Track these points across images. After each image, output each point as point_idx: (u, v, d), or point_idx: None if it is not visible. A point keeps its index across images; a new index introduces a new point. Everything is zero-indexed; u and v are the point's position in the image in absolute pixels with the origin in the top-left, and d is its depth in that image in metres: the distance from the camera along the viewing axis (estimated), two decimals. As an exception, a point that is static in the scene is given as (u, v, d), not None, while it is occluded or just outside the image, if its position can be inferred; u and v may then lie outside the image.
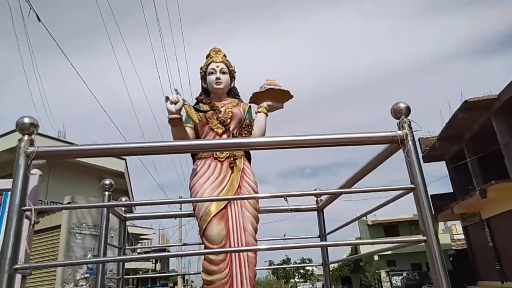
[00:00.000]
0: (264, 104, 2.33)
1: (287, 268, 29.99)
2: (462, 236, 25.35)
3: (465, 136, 15.35)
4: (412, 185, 1.38)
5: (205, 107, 2.32)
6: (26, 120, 1.28)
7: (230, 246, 2.04)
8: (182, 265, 25.80)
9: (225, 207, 2.10)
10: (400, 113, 1.45)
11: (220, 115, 2.29)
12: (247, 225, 2.12)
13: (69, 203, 7.79)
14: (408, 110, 1.48)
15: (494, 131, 12.56)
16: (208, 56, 2.48)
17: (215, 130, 2.28)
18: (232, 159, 2.21)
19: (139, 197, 22.77)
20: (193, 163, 2.32)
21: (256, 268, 2.16)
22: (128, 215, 2.83)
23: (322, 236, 2.94)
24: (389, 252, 24.72)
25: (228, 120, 2.30)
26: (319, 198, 2.98)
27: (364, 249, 24.01)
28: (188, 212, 2.82)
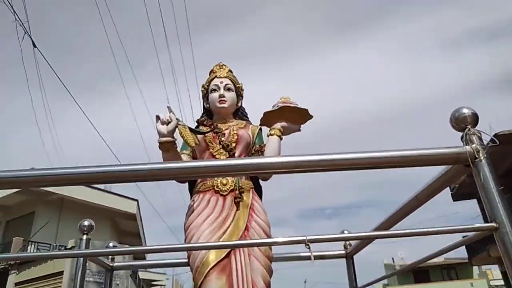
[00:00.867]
0: (278, 125, 1.89)
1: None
2: (501, 282, 23.38)
3: (497, 171, 14.47)
4: (494, 224, 0.95)
5: (205, 129, 1.90)
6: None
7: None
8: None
9: (228, 255, 1.61)
10: (465, 122, 1.02)
11: (223, 138, 1.86)
12: (257, 280, 1.61)
13: (73, 247, 7.35)
14: (475, 118, 1.08)
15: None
16: (211, 72, 2.10)
17: (217, 156, 1.85)
18: (237, 192, 1.75)
19: (152, 241, 22.13)
20: (190, 198, 1.87)
21: None
22: (115, 264, 2.35)
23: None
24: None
25: (233, 144, 1.86)
26: (347, 243, 2.45)
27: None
28: (186, 261, 2.32)
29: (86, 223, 1.99)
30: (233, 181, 1.77)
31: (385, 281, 26.64)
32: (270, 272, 1.68)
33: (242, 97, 2.11)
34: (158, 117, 1.70)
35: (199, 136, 1.82)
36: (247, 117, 2.12)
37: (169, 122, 1.67)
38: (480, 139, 1.04)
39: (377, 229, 1.92)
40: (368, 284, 2.33)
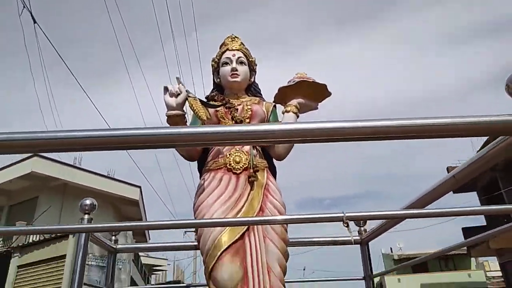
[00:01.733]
0: (294, 101, 1.78)
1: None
2: (498, 274, 23.44)
3: (498, 164, 14.40)
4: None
5: (217, 104, 1.78)
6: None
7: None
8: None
9: (242, 237, 1.51)
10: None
11: (236, 114, 1.74)
12: (273, 264, 1.51)
13: (75, 231, 7.30)
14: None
15: (533, 158, 11.60)
16: (222, 44, 1.97)
17: None
18: (251, 171, 1.64)
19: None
20: (200, 177, 1.76)
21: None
22: (118, 246, 2.26)
23: (368, 278, 2.28)
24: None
25: (247, 120, 1.75)
26: (362, 228, 2.35)
27: (390, 287, 22.46)
28: (194, 244, 2.23)
29: (87, 201, 1.89)
30: (246, 159, 1.67)
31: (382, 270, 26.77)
32: (286, 256, 1.59)
33: (255, 72, 1.99)
34: (166, 89, 1.59)
35: (211, 111, 1.71)
36: (260, 94, 2.00)
37: (179, 94, 1.56)
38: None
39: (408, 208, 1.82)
40: (382, 274, 2.24)
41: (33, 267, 8.25)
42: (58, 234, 8.40)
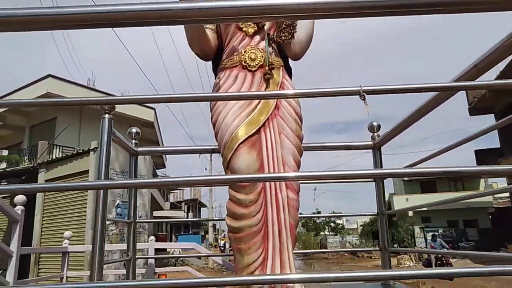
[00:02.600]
0: None
1: (317, 221, 30.08)
2: (505, 194, 24.04)
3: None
4: None
5: None
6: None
7: (264, 183, 1.50)
8: (213, 214, 26.36)
9: (258, 132, 1.54)
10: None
11: None
12: (288, 158, 1.56)
13: (95, 147, 7.62)
14: None
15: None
16: None
17: (244, 29, 1.68)
18: (267, 68, 1.62)
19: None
20: (215, 77, 1.75)
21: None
22: (139, 149, 2.35)
23: (379, 182, 2.36)
24: (425, 209, 23.94)
25: None
26: (375, 134, 2.37)
27: (398, 205, 23.39)
28: (212, 147, 2.30)
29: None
30: (262, 56, 1.64)
31: (392, 190, 27.64)
32: (300, 152, 1.63)
33: None
34: None
35: None
36: None
37: None
38: None
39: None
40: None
41: (59, 181, 8.80)
42: (80, 151, 8.80)
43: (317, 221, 29.91)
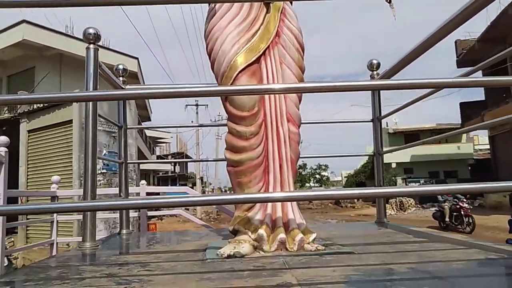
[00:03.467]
0: None
1: (303, 173, 30.73)
2: (485, 147, 24.80)
3: (509, 38, 13.82)
4: None
5: None
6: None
7: (265, 115, 1.42)
8: (200, 167, 26.57)
9: (258, 61, 1.44)
10: None
11: None
12: None
13: (78, 97, 7.34)
14: None
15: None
16: None
17: None
18: None
19: (154, 100, 22.45)
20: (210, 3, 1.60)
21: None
22: (127, 87, 2.23)
23: (377, 120, 2.31)
24: (407, 160, 24.60)
25: None
26: (375, 72, 2.29)
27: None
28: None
29: (91, 30, 1.77)
30: None
31: (377, 143, 28.08)
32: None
33: None
34: None
35: None
36: None
37: None
38: None
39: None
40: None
41: (43, 131, 8.57)
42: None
43: (303, 173, 30.54)
